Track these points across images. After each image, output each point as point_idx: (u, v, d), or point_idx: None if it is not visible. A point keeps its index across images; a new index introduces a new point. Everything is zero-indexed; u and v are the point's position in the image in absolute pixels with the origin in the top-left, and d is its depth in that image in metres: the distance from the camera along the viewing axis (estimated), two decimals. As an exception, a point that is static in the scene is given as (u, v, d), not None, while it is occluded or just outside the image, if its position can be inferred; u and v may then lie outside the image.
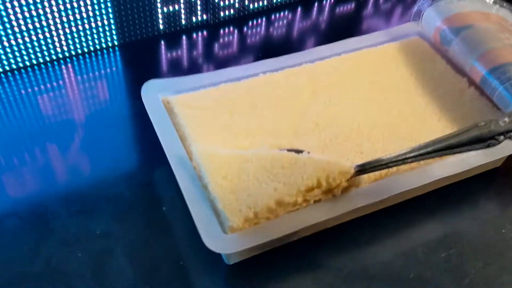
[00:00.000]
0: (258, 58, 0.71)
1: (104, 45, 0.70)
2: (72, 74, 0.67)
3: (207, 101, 0.56)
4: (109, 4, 0.66)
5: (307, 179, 0.45)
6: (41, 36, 0.65)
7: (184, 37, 0.74)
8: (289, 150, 0.48)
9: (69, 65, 0.68)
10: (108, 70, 0.69)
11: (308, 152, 0.48)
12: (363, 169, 0.47)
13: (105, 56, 0.70)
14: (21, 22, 0.62)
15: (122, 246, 0.48)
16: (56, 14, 0.64)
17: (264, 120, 0.55)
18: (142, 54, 0.71)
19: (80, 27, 0.66)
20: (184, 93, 0.57)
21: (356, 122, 0.56)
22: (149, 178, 0.55)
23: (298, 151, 0.49)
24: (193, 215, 0.45)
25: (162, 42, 0.72)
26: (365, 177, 0.49)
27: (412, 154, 0.46)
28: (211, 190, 0.45)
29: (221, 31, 0.76)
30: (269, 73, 0.61)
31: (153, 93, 0.57)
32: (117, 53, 0.70)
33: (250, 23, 0.78)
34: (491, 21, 0.64)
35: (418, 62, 0.64)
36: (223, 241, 0.43)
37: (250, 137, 0.53)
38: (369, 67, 0.63)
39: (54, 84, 0.65)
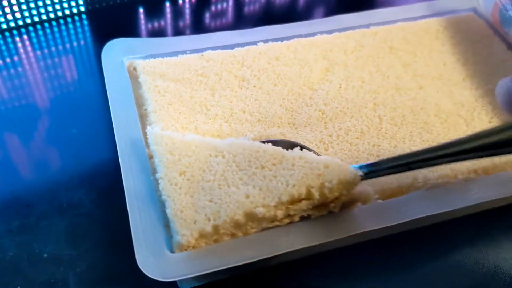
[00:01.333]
0: (254, 17, 0.57)
1: (68, 12, 0.57)
2: (29, 48, 0.54)
3: (184, 71, 0.43)
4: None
5: (293, 186, 0.32)
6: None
7: (166, 2, 0.61)
8: (276, 142, 0.35)
9: (25, 36, 0.55)
10: (75, 43, 0.56)
11: (301, 149, 0.35)
12: (373, 170, 0.34)
13: (70, 25, 0.57)
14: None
15: (77, 276, 0.38)
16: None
17: (254, 103, 0.42)
18: (114, 23, 0.58)
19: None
20: (157, 58, 0.44)
21: (377, 115, 0.42)
22: (113, 179, 0.41)
23: (291, 145, 0.36)
24: (131, 223, 0.33)
25: (140, 9, 0.59)
26: (377, 189, 0.36)
27: (438, 153, 0.32)
28: (162, 189, 0.33)
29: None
30: (271, 43, 0.47)
31: (117, 55, 0.44)
32: (84, 21, 0.58)
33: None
34: None
35: (469, 45, 0.49)
36: (164, 264, 0.31)
37: (233, 123, 0.40)
38: (403, 46, 0.48)
39: (7, 60, 0.52)
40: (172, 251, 0.32)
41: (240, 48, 0.46)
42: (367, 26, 0.50)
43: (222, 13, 0.60)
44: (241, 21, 0.60)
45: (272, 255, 0.32)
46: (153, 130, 0.36)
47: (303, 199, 0.33)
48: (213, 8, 0.60)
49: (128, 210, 0.34)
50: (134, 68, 0.44)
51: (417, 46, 0.49)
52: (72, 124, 0.47)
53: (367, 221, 0.34)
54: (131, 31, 0.57)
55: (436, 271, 0.39)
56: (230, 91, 0.43)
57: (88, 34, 0.57)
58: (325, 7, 0.62)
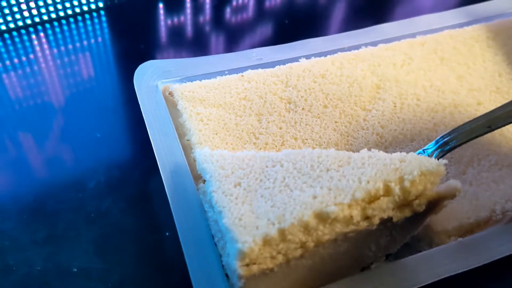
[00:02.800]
0: (290, 30, 0.53)
1: (86, 8, 0.54)
2: (45, 46, 0.51)
3: (225, 94, 0.40)
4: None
5: (367, 182, 0.28)
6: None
7: None
8: None
9: (41, 34, 0.51)
10: (92, 40, 0.53)
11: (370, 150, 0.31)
12: (452, 138, 0.31)
13: (88, 22, 0.53)
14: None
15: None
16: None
17: (305, 128, 0.38)
18: (135, 21, 0.55)
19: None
20: (194, 81, 0.40)
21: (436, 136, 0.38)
22: (145, 189, 0.40)
23: None
24: (186, 258, 0.29)
25: (161, 5, 0.55)
26: (454, 226, 0.33)
27: None
28: (216, 202, 0.29)
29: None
30: (313, 58, 0.43)
31: (150, 79, 0.40)
32: (103, 18, 0.54)
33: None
34: None
35: None
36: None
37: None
38: (454, 57, 0.45)
39: (23, 59, 0.49)
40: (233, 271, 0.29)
41: (281, 66, 0.43)
42: (413, 35, 0.47)
43: (242, 8, 0.56)
44: (265, 17, 0.56)
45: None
46: (202, 150, 0.33)
47: (381, 195, 0.28)
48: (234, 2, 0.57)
49: (186, 259, 0.30)
50: (170, 93, 0.40)
51: (468, 56, 0.45)
52: (98, 129, 0.44)
53: (449, 263, 0.31)
54: (150, 27, 0.54)
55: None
56: (278, 115, 0.39)
57: (106, 30, 0.54)
58: (362, 14, 0.58)
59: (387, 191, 0.28)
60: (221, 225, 0.28)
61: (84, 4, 0.53)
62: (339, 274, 0.31)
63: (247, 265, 0.26)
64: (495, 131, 0.39)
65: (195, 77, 0.41)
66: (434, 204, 0.30)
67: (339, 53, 0.44)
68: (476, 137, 0.32)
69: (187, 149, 0.37)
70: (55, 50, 0.50)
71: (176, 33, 0.54)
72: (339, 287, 0.30)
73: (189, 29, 0.54)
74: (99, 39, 0.54)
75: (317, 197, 0.27)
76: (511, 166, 0.37)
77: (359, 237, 0.29)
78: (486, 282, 0.36)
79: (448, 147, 0.32)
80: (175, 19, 0.54)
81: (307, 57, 0.44)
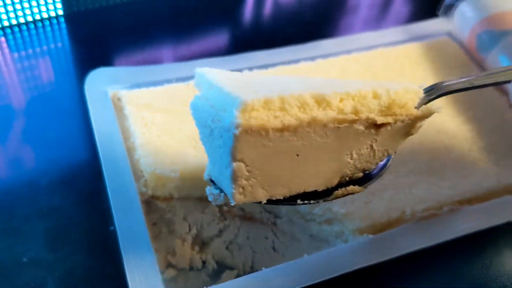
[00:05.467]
0: (239, 42, 0.57)
1: (46, 15, 0.57)
2: (6, 50, 0.53)
3: (171, 102, 0.43)
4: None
5: (360, 88, 0.30)
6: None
7: (147, 6, 0.60)
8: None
9: (2, 38, 0.54)
10: (52, 45, 0.55)
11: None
12: (434, 92, 0.33)
13: (48, 29, 0.56)
14: None
15: (56, 279, 0.38)
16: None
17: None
18: (94, 28, 0.58)
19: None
20: (142, 88, 0.43)
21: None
22: (94, 185, 0.43)
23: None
24: (126, 267, 0.32)
25: (119, 12, 0.59)
26: (368, 224, 0.36)
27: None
28: (216, 82, 0.29)
29: None
30: (255, 70, 0.47)
31: (101, 85, 0.43)
32: (63, 25, 0.56)
33: None
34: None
35: (447, 71, 0.51)
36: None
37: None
38: (385, 73, 0.49)
39: None
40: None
41: (225, 76, 0.46)
42: (349, 52, 0.51)
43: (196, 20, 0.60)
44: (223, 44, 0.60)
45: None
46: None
47: (372, 98, 0.30)
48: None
49: (122, 253, 0.33)
50: (119, 99, 0.43)
51: (399, 72, 0.50)
52: (51, 127, 0.47)
53: (360, 257, 0.35)
54: (108, 34, 0.57)
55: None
56: (220, 122, 0.42)
57: (65, 37, 0.56)
58: (305, 28, 0.62)
59: (375, 96, 0.30)
60: (220, 99, 0.28)
61: (45, 11, 0.56)
62: (319, 180, 0.32)
63: (246, 119, 0.26)
64: (415, 141, 0.43)
65: (144, 84, 0.44)
66: (412, 123, 0.32)
67: (280, 66, 0.48)
68: (457, 91, 0.34)
69: (131, 151, 0.40)
70: (15, 54, 0.53)
71: (133, 41, 0.57)
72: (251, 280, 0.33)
73: (145, 38, 0.57)
74: (59, 44, 0.56)
75: (313, 88, 0.29)
76: (424, 173, 0.41)
77: (345, 135, 0.30)
78: (392, 275, 0.40)
79: (435, 95, 0.34)
80: (132, 28, 0.58)
81: (250, 69, 0.47)
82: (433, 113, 0.32)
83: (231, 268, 0.40)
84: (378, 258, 0.35)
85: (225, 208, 0.40)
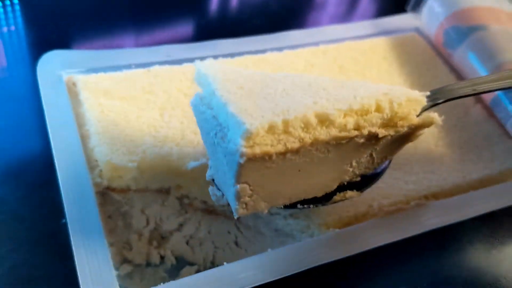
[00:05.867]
0: (203, 29, 0.55)
1: None
2: None
3: (130, 88, 0.40)
4: None
5: (362, 98, 0.30)
6: None
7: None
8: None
9: None
10: (5, 28, 0.52)
11: None
12: (436, 96, 0.34)
13: (1, 10, 0.52)
14: None
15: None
16: None
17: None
18: (49, 10, 0.55)
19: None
20: (99, 73, 0.41)
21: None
22: (43, 177, 0.40)
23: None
24: (76, 262, 0.30)
25: None
26: (334, 218, 0.35)
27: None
28: (220, 96, 0.29)
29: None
30: (221, 58, 0.45)
31: (54, 69, 0.40)
32: (16, 7, 0.54)
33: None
34: (509, 21, 0.51)
35: (414, 66, 0.50)
36: None
37: (184, 146, 0.38)
38: (352, 66, 0.49)
39: None
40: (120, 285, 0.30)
41: (189, 64, 0.44)
42: (316, 43, 0.50)
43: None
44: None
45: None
46: (204, 61, 0.32)
47: (374, 111, 0.31)
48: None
49: (73, 248, 0.31)
50: (74, 84, 0.40)
51: (365, 65, 0.49)
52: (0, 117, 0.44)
53: (326, 252, 0.34)
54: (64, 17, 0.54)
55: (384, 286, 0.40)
56: (181, 111, 0.40)
57: (19, 19, 0.53)
58: (273, 18, 0.61)
59: (378, 109, 0.31)
60: (224, 115, 0.28)
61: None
62: (319, 188, 0.32)
63: (251, 146, 0.27)
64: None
65: (101, 69, 0.42)
66: (412, 131, 0.33)
67: (246, 55, 0.47)
68: (461, 97, 0.35)
69: (85, 138, 0.37)
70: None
71: (90, 24, 0.54)
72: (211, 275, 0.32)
73: (103, 21, 0.54)
74: (12, 27, 0.53)
75: (317, 103, 0.29)
76: (391, 167, 0.41)
77: (346, 148, 0.31)
78: (358, 270, 0.39)
79: (438, 102, 0.35)
80: (90, 10, 0.55)
81: (215, 57, 0.45)
82: (434, 123, 0.33)
83: (191, 264, 0.38)
84: (344, 253, 0.34)
85: (185, 200, 0.38)
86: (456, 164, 0.42)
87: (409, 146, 0.42)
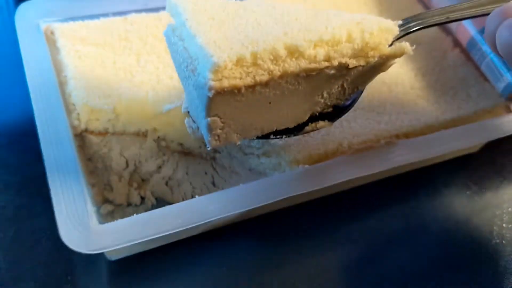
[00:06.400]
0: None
1: None
2: None
3: (106, 35, 0.41)
4: None
5: (333, 28, 0.30)
6: None
7: None
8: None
9: None
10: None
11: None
12: (409, 25, 0.33)
13: None
14: None
15: None
16: None
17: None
18: None
19: None
20: (77, 21, 0.42)
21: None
22: (27, 125, 0.40)
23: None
24: (52, 196, 0.31)
25: None
26: (304, 155, 0.37)
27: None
28: (189, 27, 0.29)
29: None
30: (199, 6, 0.45)
31: (32, 18, 0.41)
32: None
33: None
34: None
35: (393, 11, 0.51)
36: (88, 236, 0.30)
37: (160, 90, 0.39)
38: (326, 5, 0.49)
39: None
40: (101, 223, 0.31)
41: (165, 12, 0.44)
42: (296, -9, 0.50)
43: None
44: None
45: (196, 224, 0.32)
46: None
47: (344, 41, 0.31)
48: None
49: (49, 183, 0.32)
50: (52, 32, 0.41)
51: (343, 8, 0.49)
52: None
53: (294, 186, 0.35)
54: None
55: (358, 230, 0.41)
56: (156, 56, 0.41)
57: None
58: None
59: (349, 39, 0.31)
60: (193, 47, 0.28)
61: None
62: (291, 119, 0.33)
63: (219, 80, 0.27)
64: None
65: (78, 18, 0.42)
66: (384, 61, 0.33)
67: None
68: (434, 25, 0.34)
69: (63, 85, 0.38)
70: None
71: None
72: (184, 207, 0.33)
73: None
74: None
75: (287, 33, 0.29)
76: (364, 108, 0.42)
77: (317, 79, 0.31)
78: (330, 211, 0.41)
79: (411, 30, 0.34)
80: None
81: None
82: (405, 53, 0.32)
83: (171, 204, 0.40)
84: (312, 186, 0.35)
85: (162, 143, 0.40)
86: (430, 106, 0.43)
87: (384, 89, 0.43)
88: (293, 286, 0.37)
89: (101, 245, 0.30)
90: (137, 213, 0.39)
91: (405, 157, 0.38)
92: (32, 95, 0.37)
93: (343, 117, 0.40)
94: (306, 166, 0.36)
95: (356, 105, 0.41)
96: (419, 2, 0.51)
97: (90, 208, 0.33)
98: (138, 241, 0.31)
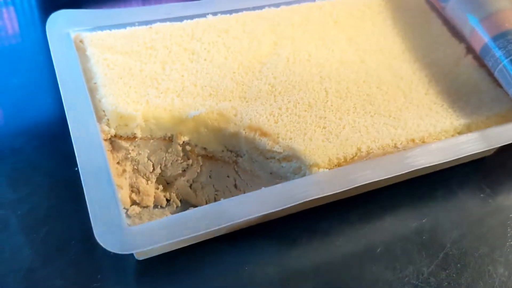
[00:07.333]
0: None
1: None
2: None
3: (133, 44, 0.43)
4: None
5: None
6: None
7: None
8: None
9: None
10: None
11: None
12: None
13: None
14: None
15: (18, 219, 0.39)
16: None
17: (205, 76, 0.42)
18: None
19: None
20: (104, 30, 0.43)
21: (324, 88, 0.44)
22: (57, 129, 0.43)
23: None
24: (87, 199, 0.33)
25: None
26: (324, 160, 0.38)
27: None
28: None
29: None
30: (220, 15, 0.47)
31: (63, 27, 0.43)
32: None
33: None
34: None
35: (408, 20, 0.52)
36: (124, 236, 0.32)
37: (184, 97, 0.41)
38: (347, 20, 0.50)
39: None
40: (129, 224, 0.33)
41: (189, 21, 0.46)
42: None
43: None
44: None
45: (221, 226, 0.33)
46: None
47: None
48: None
49: (84, 187, 0.34)
50: (81, 41, 0.43)
51: (360, 20, 0.51)
52: (14, 73, 0.47)
53: (314, 189, 0.36)
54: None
55: (374, 231, 0.42)
56: (181, 64, 0.43)
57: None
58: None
59: None
60: None
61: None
62: None
63: None
64: (372, 86, 0.45)
65: (106, 27, 0.44)
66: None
67: (244, 12, 0.49)
68: None
69: (93, 91, 0.40)
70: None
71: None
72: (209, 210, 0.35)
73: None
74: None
75: None
76: (381, 115, 0.43)
77: None
78: (349, 211, 0.42)
79: None
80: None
81: (214, 14, 0.48)
82: None
83: (195, 206, 0.42)
84: (331, 189, 0.36)
85: (187, 147, 0.41)
86: (445, 111, 0.44)
87: (399, 94, 0.45)
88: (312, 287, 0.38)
89: (134, 246, 0.32)
90: (163, 215, 0.41)
91: (421, 161, 0.39)
92: (64, 102, 0.38)
93: (362, 122, 0.42)
94: (326, 170, 0.38)
95: (373, 111, 0.43)
96: (444, 25, 0.52)
97: (121, 210, 0.35)
98: (168, 242, 0.32)
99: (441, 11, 0.53)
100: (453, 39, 0.51)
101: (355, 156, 0.40)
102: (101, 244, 0.31)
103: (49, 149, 0.43)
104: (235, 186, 0.42)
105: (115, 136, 0.40)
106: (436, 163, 0.40)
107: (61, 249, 0.38)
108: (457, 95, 0.46)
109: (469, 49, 0.50)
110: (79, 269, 0.38)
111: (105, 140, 0.39)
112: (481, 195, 0.47)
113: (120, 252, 0.32)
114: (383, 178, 0.38)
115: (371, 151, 0.40)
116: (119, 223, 0.33)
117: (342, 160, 0.39)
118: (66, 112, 0.38)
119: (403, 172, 0.39)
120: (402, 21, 0.52)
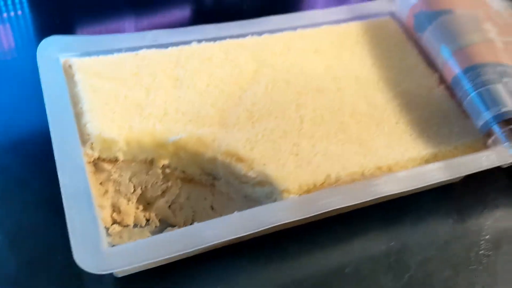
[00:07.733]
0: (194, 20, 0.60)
1: None
2: None
3: (119, 70, 0.45)
4: None
5: None
6: None
7: None
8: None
9: None
10: (12, 13, 0.57)
11: None
12: None
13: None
14: None
15: (4, 235, 0.41)
16: None
17: (187, 103, 0.45)
18: None
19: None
20: (92, 56, 0.46)
21: (299, 116, 0.46)
22: (44, 147, 0.44)
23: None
24: (67, 219, 0.35)
25: None
26: (294, 186, 0.40)
27: None
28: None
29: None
30: (204, 43, 0.50)
31: (53, 52, 0.45)
32: None
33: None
34: (475, 6, 0.54)
35: (385, 49, 0.54)
36: (101, 257, 0.34)
37: (166, 123, 0.43)
38: (327, 49, 0.53)
39: None
40: (109, 242, 0.35)
41: (174, 48, 0.49)
42: (295, 28, 0.54)
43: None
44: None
45: (195, 248, 0.35)
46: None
47: None
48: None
49: (65, 208, 0.36)
50: (70, 66, 0.45)
51: (339, 49, 0.53)
52: (4, 92, 0.50)
53: (283, 214, 0.39)
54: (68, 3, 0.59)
55: (344, 254, 0.45)
56: (164, 91, 0.45)
57: (25, 4, 0.58)
58: (257, 5, 0.65)
59: None
60: None
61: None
62: None
63: None
64: (346, 114, 0.47)
65: (94, 53, 0.47)
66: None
67: (228, 39, 0.51)
68: None
69: (79, 115, 0.42)
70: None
71: (90, 10, 0.59)
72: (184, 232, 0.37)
73: (103, 8, 0.59)
74: (19, 12, 0.58)
75: None
76: (352, 143, 0.45)
77: None
78: (317, 236, 0.45)
79: None
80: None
81: (199, 41, 0.50)
82: None
83: (173, 226, 0.44)
84: (300, 214, 0.39)
85: (167, 170, 0.44)
86: (414, 141, 0.47)
87: (371, 123, 0.47)
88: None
89: (111, 266, 0.34)
90: (142, 234, 0.43)
91: (386, 189, 0.42)
92: (50, 126, 0.41)
93: (334, 150, 0.44)
94: (295, 196, 0.40)
95: (346, 138, 0.45)
96: (419, 55, 0.55)
97: (101, 230, 0.37)
98: (143, 263, 0.35)
99: (417, 41, 0.55)
100: (427, 69, 0.53)
101: (324, 182, 0.42)
102: (79, 265, 0.34)
103: (36, 167, 0.45)
104: (212, 207, 0.44)
105: (98, 158, 0.42)
106: (400, 191, 0.42)
107: (46, 265, 0.41)
108: (427, 124, 0.48)
109: (442, 79, 0.52)
110: (62, 284, 0.40)
111: (89, 162, 0.41)
112: (449, 220, 0.49)
113: (96, 272, 0.34)
114: (349, 204, 0.40)
115: (339, 178, 0.42)
116: (97, 244, 0.35)
117: (312, 186, 0.41)
118: (51, 135, 0.40)
119: (368, 199, 0.41)
120: (379, 50, 0.54)
